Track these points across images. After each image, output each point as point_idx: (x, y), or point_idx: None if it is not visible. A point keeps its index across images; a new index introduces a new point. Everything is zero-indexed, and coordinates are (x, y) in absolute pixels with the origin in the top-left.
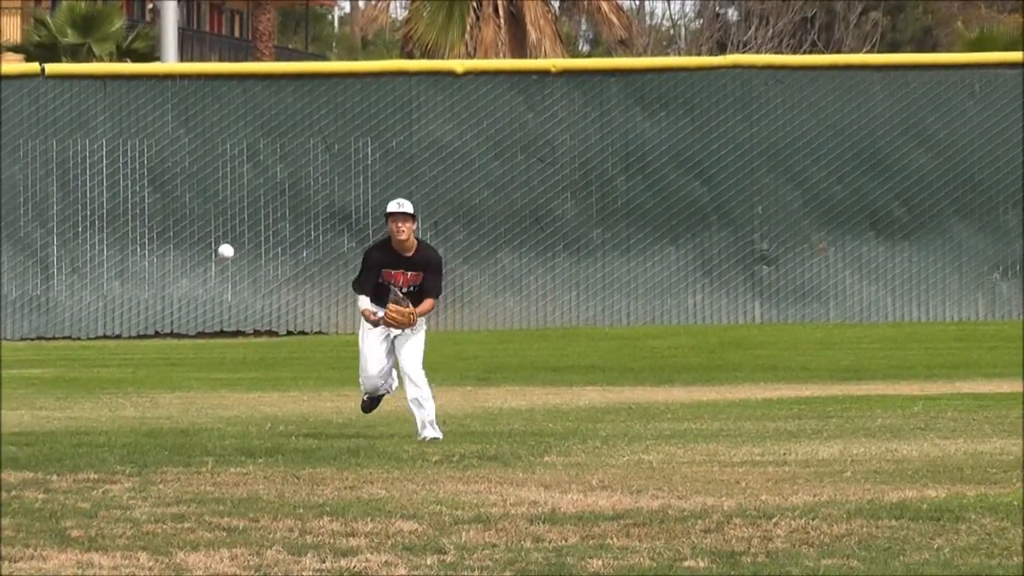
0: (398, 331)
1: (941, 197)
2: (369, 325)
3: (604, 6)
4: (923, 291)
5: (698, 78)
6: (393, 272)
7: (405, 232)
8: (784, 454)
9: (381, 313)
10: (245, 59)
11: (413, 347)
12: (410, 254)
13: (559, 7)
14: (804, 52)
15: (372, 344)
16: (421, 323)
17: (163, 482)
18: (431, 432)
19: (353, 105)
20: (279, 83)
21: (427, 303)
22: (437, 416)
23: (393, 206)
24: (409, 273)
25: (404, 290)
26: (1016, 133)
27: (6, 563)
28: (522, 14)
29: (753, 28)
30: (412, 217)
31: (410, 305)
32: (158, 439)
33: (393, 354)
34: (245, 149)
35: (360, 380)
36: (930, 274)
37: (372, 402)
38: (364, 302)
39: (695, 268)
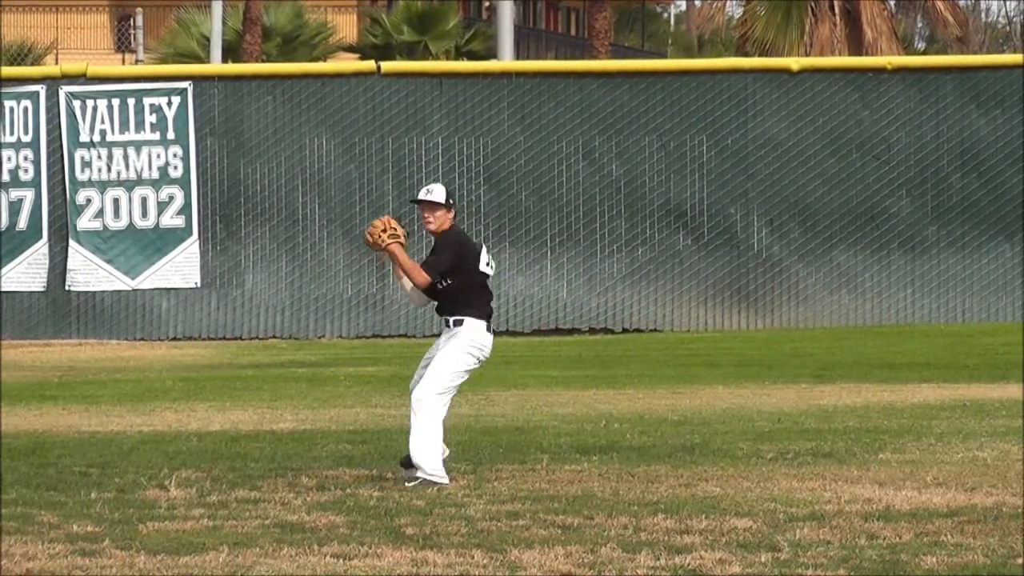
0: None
1: None
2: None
3: (939, 4)
4: None
5: None
6: None
7: (433, 223)
8: None
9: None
10: (581, 57)
11: (440, 358)
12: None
13: (895, 5)
14: None
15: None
16: (464, 330)
17: (498, 480)
18: (410, 475)
19: (689, 103)
20: (615, 81)
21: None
22: (420, 461)
23: (422, 193)
24: None
25: (441, 285)
26: None
27: (342, 560)
28: (858, 12)
29: None
30: (439, 205)
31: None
32: (493, 437)
33: None
34: (581, 147)
35: None
36: None
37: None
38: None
39: None
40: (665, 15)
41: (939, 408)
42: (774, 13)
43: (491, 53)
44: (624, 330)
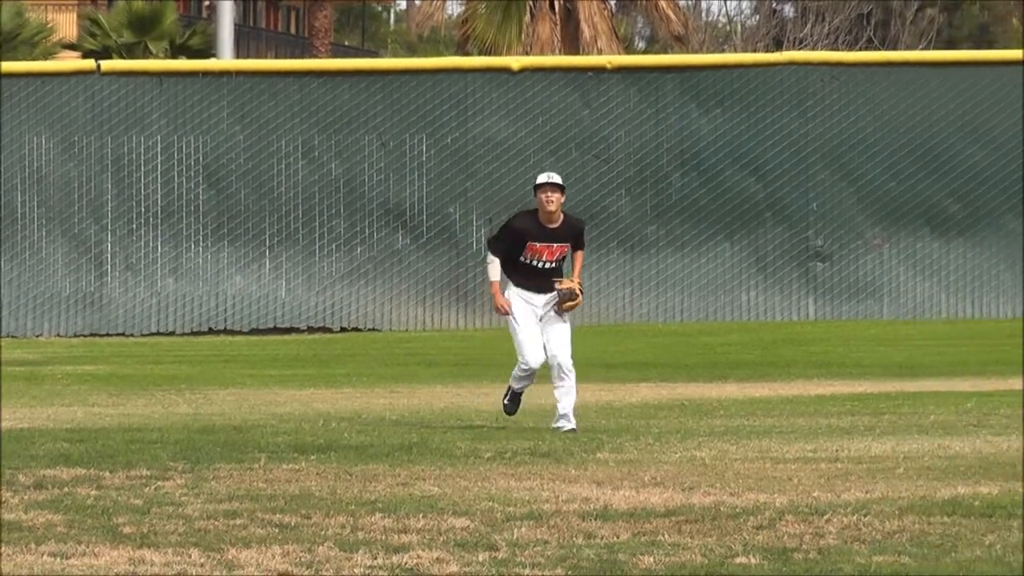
0: (547, 312)
1: (996, 193)
2: (519, 306)
3: (661, 3)
4: (977, 287)
5: (754, 75)
6: (539, 246)
7: (555, 203)
8: (837, 451)
9: (512, 301)
10: (301, 56)
11: (563, 335)
12: (556, 225)
13: (615, 4)
14: (860, 49)
15: (528, 327)
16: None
17: (215, 479)
18: (568, 424)
19: (409, 102)
20: (335, 80)
21: (579, 257)
22: (575, 409)
23: (543, 177)
24: (555, 246)
25: (548, 265)
26: None
27: (59, 559)
28: (577, 11)
29: (809, 25)
30: (562, 188)
31: (574, 286)
32: (211, 436)
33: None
34: (300, 146)
35: (517, 368)
36: (984, 271)
37: (514, 402)
38: (495, 271)
39: (749, 265)
40: (385, 15)
41: (657, 407)
42: (494, 12)
43: (211, 52)
44: (342, 329)
